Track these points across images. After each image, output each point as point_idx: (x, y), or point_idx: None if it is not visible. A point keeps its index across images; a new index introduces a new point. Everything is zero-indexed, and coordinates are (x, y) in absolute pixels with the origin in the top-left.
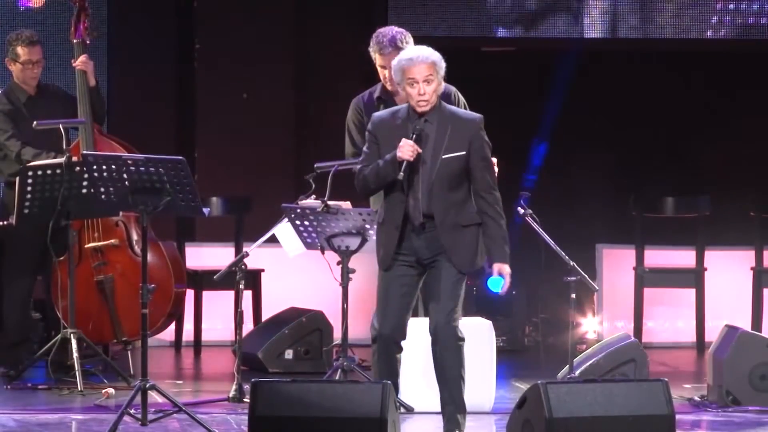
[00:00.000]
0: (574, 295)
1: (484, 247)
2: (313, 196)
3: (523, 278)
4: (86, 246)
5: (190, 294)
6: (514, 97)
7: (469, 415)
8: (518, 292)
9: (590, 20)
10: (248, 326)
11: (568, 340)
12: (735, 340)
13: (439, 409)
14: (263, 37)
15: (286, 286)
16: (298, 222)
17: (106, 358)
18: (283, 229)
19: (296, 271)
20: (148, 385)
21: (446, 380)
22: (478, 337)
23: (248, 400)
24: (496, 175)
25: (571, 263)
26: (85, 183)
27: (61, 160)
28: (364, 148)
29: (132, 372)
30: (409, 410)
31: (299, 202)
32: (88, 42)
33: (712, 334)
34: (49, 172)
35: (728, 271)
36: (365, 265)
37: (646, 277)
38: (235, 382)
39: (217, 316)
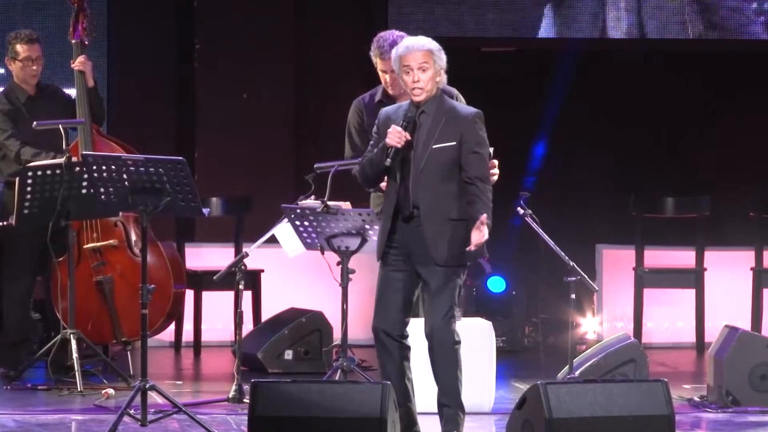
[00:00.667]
0: (574, 296)
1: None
2: (313, 197)
3: (523, 278)
4: (85, 246)
5: (189, 294)
6: (514, 97)
7: (469, 415)
8: (518, 292)
9: (590, 20)
10: (248, 327)
11: (568, 341)
12: (735, 340)
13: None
14: (263, 37)
15: (286, 287)
16: (297, 222)
17: (106, 359)
18: (283, 230)
19: (296, 272)
20: (147, 386)
21: (443, 382)
22: (478, 337)
23: (248, 401)
24: (497, 177)
25: (571, 263)
26: (84, 183)
27: (60, 160)
28: (371, 143)
29: (132, 372)
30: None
31: (299, 203)
32: (86, 42)
33: (712, 335)
34: (48, 172)
35: (728, 271)
36: (365, 266)
37: (646, 278)
38: (234, 383)
39: (217, 317)
